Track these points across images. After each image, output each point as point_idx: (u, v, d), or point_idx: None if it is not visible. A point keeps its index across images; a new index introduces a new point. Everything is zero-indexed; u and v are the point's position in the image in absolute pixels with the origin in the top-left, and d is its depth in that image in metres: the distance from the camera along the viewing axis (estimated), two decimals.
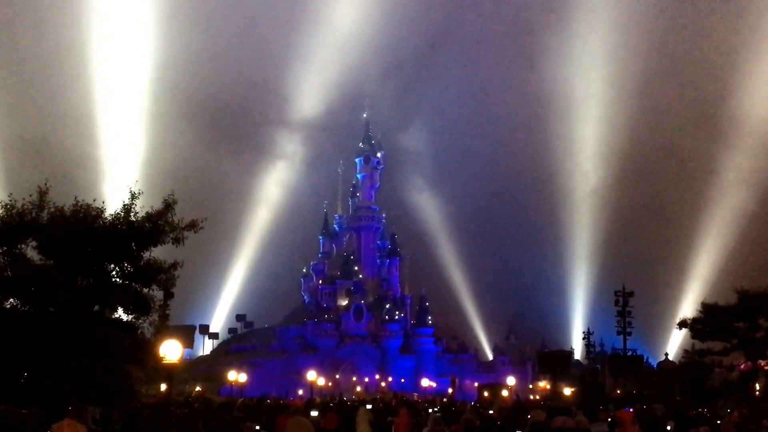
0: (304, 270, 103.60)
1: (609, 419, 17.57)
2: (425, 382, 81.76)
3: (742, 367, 28.57)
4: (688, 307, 64.03)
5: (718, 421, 18.29)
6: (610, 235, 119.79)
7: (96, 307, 17.14)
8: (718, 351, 28.50)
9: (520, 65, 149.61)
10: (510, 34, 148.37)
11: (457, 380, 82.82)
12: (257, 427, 15.12)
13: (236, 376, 54.24)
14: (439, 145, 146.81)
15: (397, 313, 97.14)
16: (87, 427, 11.09)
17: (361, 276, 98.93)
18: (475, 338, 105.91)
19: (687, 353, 32.49)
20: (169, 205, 17.42)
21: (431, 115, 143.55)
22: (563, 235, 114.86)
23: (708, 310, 27.99)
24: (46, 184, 16.69)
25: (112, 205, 17.46)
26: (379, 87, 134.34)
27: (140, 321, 17.74)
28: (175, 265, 17.34)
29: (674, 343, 73.71)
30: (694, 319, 28.54)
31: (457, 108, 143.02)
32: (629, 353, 38.93)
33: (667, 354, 72.07)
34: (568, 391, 50.05)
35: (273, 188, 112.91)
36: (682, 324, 29.06)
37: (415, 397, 58.19)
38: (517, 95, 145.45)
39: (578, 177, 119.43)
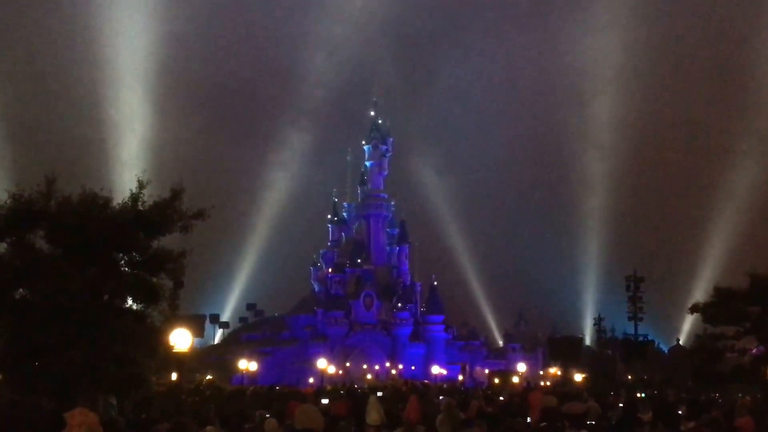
0: (314, 258, 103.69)
1: (621, 405, 17.50)
2: (436, 370, 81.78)
3: (754, 351, 28.38)
4: (700, 291, 63.62)
5: (731, 405, 18.15)
6: (622, 220, 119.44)
7: (105, 297, 17.13)
8: (730, 335, 28.29)
9: (534, 44, 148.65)
10: (525, 12, 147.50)
11: (467, 367, 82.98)
12: (268, 415, 15.13)
13: (247, 365, 54.56)
14: (449, 130, 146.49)
15: (407, 300, 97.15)
16: (98, 416, 11.10)
17: (370, 264, 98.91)
18: (485, 325, 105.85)
19: (698, 338, 32.31)
20: (177, 194, 17.37)
21: (440, 102, 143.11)
22: (574, 220, 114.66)
23: (720, 294, 27.75)
24: (53, 172, 16.66)
25: (120, 193, 17.43)
26: (388, 68, 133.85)
27: (150, 310, 17.74)
28: (183, 254, 17.30)
29: (686, 328, 73.39)
30: (706, 303, 28.33)
31: (467, 92, 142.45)
32: (640, 338, 38.78)
33: (678, 339, 71.85)
34: (579, 377, 50.01)
35: (281, 176, 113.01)
36: (694, 308, 28.87)
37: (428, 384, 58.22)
38: (529, 77, 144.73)
39: (590, 162, 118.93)
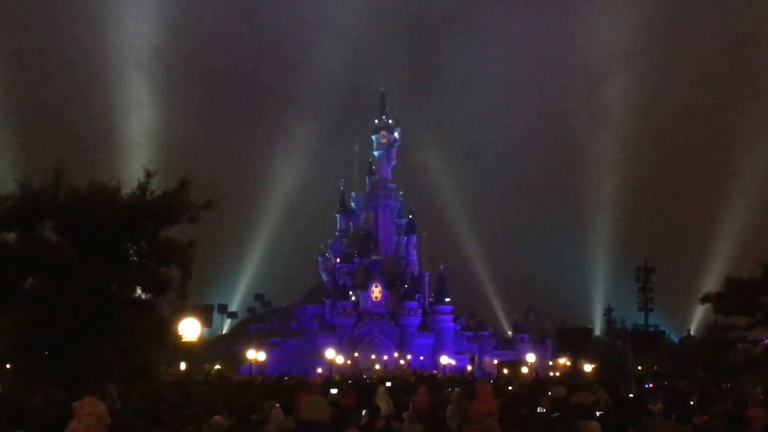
0: (322, 248, 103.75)
1: (630, 395, 17.40)
2: (444, 360, 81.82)
3: (765, 341, 28.24)
4: (711, 281, 63.16)
5: (742, 396, 18.01)
6: (632, 209, 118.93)
7: (113, 287, 17.13)
8: (742, 326, 28.13)
9: (543, 29, 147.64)
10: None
11: (476, 357, 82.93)
12: (277, 405, 15.10)
13: (255, 355, 54.64)
14: (457, 119, 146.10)
15: (415, 290, 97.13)
16: (107, 406, 11.07)
17: (378, 254, 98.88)
18: (494, 315, 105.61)
19: (710, 328, 32.14)
20: (184, 184, 17.33)
21: (448, 90, 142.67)
22: (583, 210, 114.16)
23: (732, 284, 27.58)
24: (61, 163, 16.63)
25: (128, 183, 17.40)
26: (396, 56, 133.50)
27: (158, 300, 17.74)
28: (191, 244, 17.27)
29: (697, 318, 72.94)
30: (717, 294, 28.17)
31: (475, 79, 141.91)
32: (651, 329, 38.56)
33: (689, 329, 71.38)
34: (588, 367, 49.88)
35: (289, 166, 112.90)
36: (705, 298, 28.73)
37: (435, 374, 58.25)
38: (539, 62, 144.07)
39: (599, 151, 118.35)
